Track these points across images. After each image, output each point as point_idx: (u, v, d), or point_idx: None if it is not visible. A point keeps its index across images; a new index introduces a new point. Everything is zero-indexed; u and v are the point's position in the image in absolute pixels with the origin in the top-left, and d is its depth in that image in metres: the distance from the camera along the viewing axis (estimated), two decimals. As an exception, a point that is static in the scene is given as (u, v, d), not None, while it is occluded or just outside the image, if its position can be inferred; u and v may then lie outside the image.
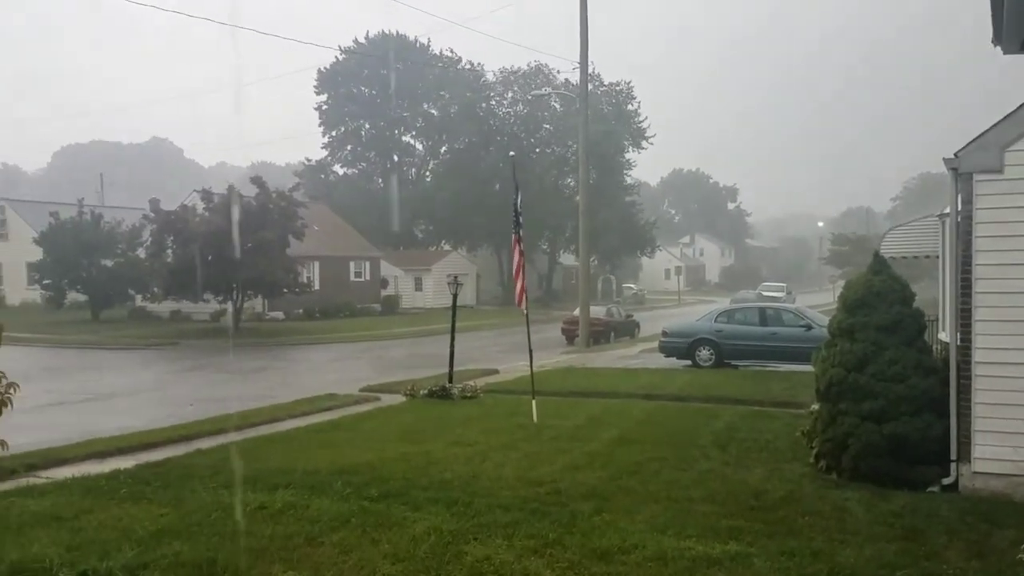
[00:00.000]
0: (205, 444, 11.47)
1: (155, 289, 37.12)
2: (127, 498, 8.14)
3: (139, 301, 42.27)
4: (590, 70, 31.14)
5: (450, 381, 16.28)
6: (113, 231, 42.24)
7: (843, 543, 6.66)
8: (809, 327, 19.93)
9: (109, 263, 41.43)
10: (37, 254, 42.26)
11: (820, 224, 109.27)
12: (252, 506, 7.66)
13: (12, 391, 4.71)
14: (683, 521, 7.17)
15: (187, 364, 25.35)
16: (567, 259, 69.58)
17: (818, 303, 46.30)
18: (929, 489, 8.36)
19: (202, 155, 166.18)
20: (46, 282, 41.88)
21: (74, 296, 42.70)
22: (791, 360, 19.19)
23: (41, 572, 5.74)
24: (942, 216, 11.27)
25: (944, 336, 10.48)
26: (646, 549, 6.38)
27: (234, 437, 12.01)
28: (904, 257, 15.26)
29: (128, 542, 6.53)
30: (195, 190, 37.67)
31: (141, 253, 39.39)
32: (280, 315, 42.31)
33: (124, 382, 21.17)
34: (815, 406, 9.70)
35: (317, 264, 45.65)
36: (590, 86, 36.28)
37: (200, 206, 35.10)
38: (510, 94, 65.59)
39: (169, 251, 34.61)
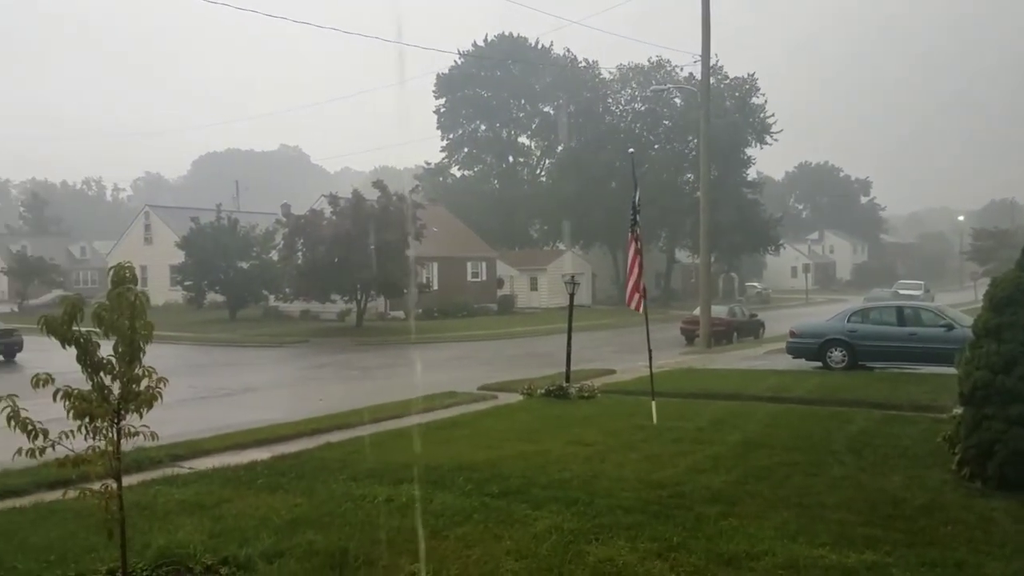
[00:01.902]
0: (334, 438, 11.90)
1: (286, 290, 38.97)
2: (264, 488, 8.56)
3: (272, 301, 44.47)
4: (712, 63, 30.30)
5: (567, 380, 16.22)
6: (248, 235, 44.66)
7: (989, 555, 6.19)
8: (950, 327, 18.64)
9: (245, 265, 43.82)
10: (179, 257, 45.18)
11: (960, 218, 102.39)
12: (379, 499, 7.88)
13: (162, 385, 4.99)
14: (815, 528, 6.84)
15: (315, 361, 26.45)
16: (685, 257, 68.18)
17: (958, 302, 43.29)
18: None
19: (327, 161, 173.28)
20: (187, 283, 44.72)
21: (213, 296, 45.41)
22: (930, 362, 18.02)
23: (186, 557, 6.06)
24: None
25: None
26: (776, 556, 6.12)
27: (360, 432, 12.41)
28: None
29: (265, 530, 6.85)
30: (322, 195, 39.30)
31: (274, 256, 41.46)
32: (401, 314, 43.53)
33: (259, 378, 22.31)
34: (958, 410, 9.11)
35: (436, 265, 46.69)
36: (712, 80, 35.35)
37: (327, 210, 36.63)
38: (628, 91, 64.93)
39: (299, 253, 36.23)
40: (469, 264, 50.86)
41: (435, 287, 45.47)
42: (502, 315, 48.01)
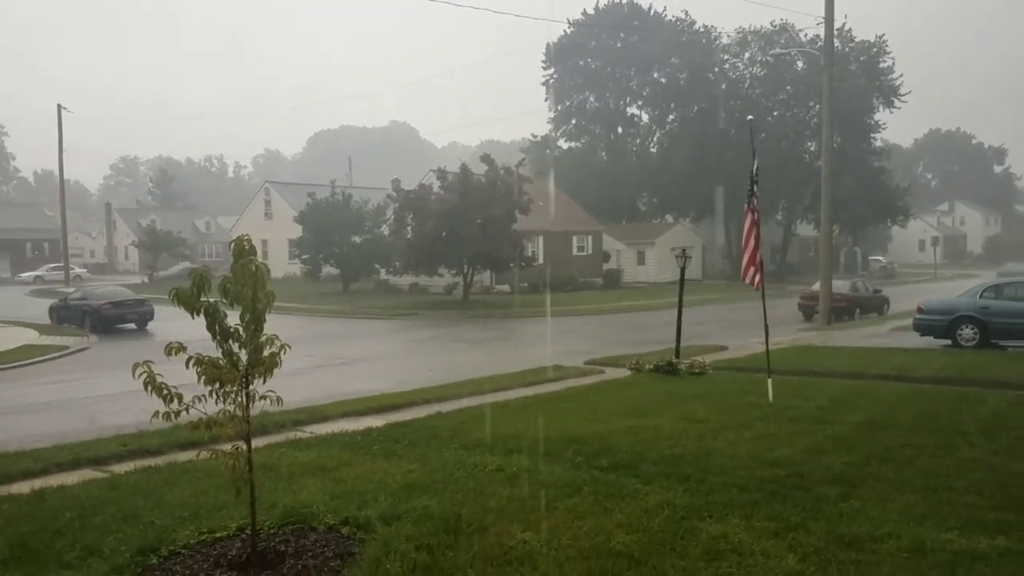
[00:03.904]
0: (444, 408, 12.17)
1: (396, 263, 39.95)
2: (379, 454, 8.84)
3: (383, 275, 45.72)
4: (839, 26, 28.77)
5: (677, 356, 15.96)
6: (360, 210, 45.96)
7: None
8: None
9: (357, 240, 45.18)
10: (297, 231, 46.98)
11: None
12: (490, 468, 8.00)
13: (283, 351, 5.18)
14: (942, 512, 6.54)
15: (424, 333, 27.07)
16: (804, 229, 65.58)
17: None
18: None
19: (436, 136, 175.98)
20: (304, 257, 46.50)
21: (328, 270, 47.09)
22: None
23: (309, 516, 6.34)
24: None
25: None
26: (900, 539, 5.89)
27: (469, 403, 12.65)
28: None
29: (382, 493, 7.08)
30: (431, 170, 39.92)
31: (384, 230, 42.53)
32: (506, 288, 43.89)
33: (371, 348, 23.03)
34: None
35: (541, 238, 46.72)
36: (837, 43, 33.58)
37: (435, 185, 37.18)
38: (746, 55, 62.63)
39: (408, 228, 36.99)
40: (575, 238, 50.64)
41: (540, 261, 45.53)
42: (608, 289, 47.66)
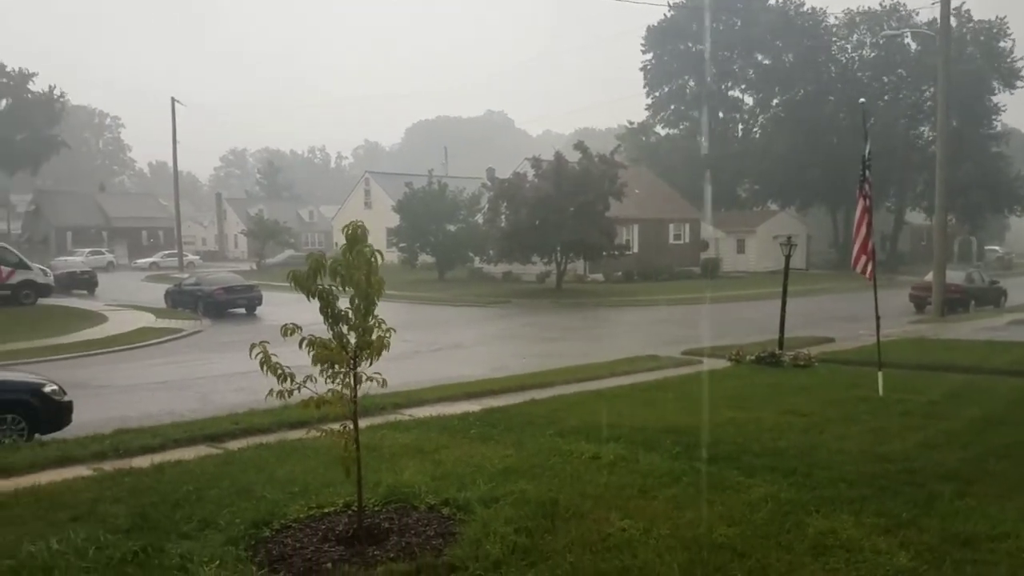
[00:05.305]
0: (538, 395, 12.22)
1: (490, 252, 40.27)
2: (476, 438, 8.97)
3: (477, 263, 46.19)
4: (956, 5, 27.28)
5: (780, 347, 15.50)
6: (456, 199, 46.52)
7: None
8: None
9: (452, 228, 45.76)
10: (394, 220, 47.95)
11: None
12: (586, 455, 7.99)
13: (390, 336, 5.32)
14: (1069, 514, 6.14)
15: (517, 321, 27.23)
16: (915, 218, 62.50)
17: None
18: None
19: (530, 124, 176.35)
20: (401, 245, 47.44)
21: (424, 258, 47.93)
22: None
23: (411, 496, 6.51)
24: None
25: None
26: (1020, 539, 5.65)
27: (563, 390, 12.67)
28: None
29: (480, 476, 7.18)
30: (526, 158, 40.01)
31: (479, 219, 42.94)
32: (600, 277, 43.61)
33: (465, 335, 23.35)
34: None
35: (636, 227, 46.15)
36: (953, 23, 31.80)
37: (530, 173, 37.24)
38: (855, 37, 60.01)
39: (502, 216, 37.21)
40: (671, 226, 49.79)
41: (635, 249, 45.01)
42: (706, 279, 46.66)
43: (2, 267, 29.73)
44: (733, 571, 5.19)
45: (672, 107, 66.78)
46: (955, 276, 28.45)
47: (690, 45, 64.23)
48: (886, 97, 57.81)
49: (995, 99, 56.62)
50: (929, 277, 27.40)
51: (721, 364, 15.37)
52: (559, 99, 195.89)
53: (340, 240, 5.58)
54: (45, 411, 10.03)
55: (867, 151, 11.95)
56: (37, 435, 9.86)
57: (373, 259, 5.21)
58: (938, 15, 26.43)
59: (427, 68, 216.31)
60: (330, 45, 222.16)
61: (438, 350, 19.76)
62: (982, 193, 53.96)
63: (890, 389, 11.41)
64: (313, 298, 5.26)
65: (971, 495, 6.68)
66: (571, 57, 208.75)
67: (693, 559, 5.32)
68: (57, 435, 9.85)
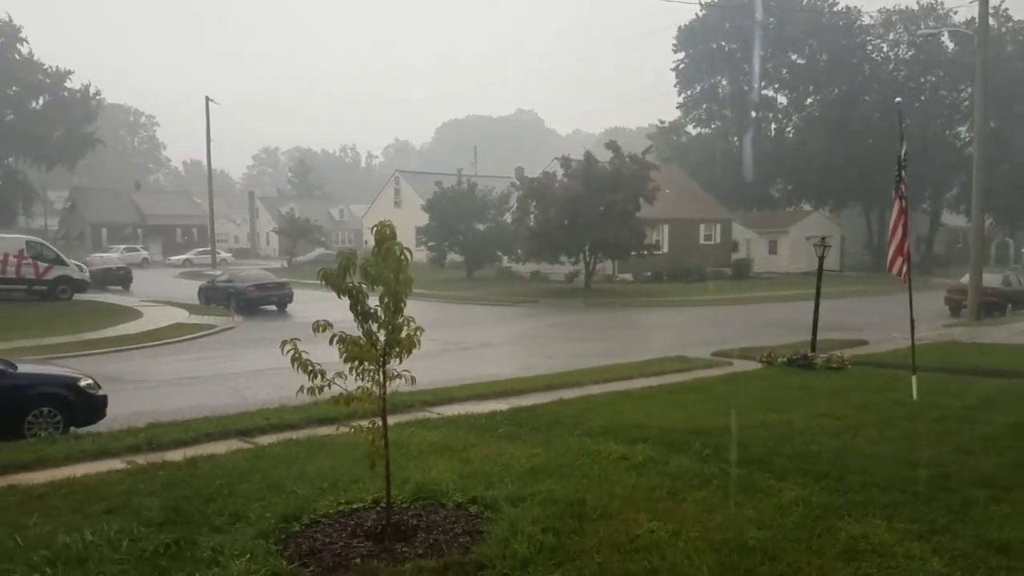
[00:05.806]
0: (566, 395, 12.18)
1: (518, 251, 40.26)
2: (504, 437, 8.97)
3: (505, 262, 46.21)
4: (994, 4, 26.76)
5: (813, 349, 15.30)
6: (485, 198, 46.58)
7: None
8: None
9: (481, 227, 45.84)
10: (424, 219, 48.15)
11: None
12: (614, 456, 7.96)
13: (419, 334, 5.33)
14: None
15: (545, 320, 27.19)
16: (952, 219, 61.35)
17: None
18: None
19: (560, 123, 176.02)
20: (430, 243, 47.61)
21: (452, 256, 48.06)
22: None
23: (439, 493, 6.53)
24: None
25: None
26: (1057, 547, 5.48)
27: (591, 390, 12.62)
28: None
29: (508, 475, 7.18)
30: (555, 157, 39.90)
31: (508, 218, 42.95)
32: (628, 277, 43.40)
33: (493, 334, 23.36)
34: None
35: (666, 227, 45.85)
36: (992, 23, 31.20)
37: (559, 172, 37.15)
38: (891, 36, 59.11)
39: (531, 216, 37.15)
40: (702, 226, 49.39)
41: (664, 249, 44.72)
42: (737, 279, 46.25)
43: (39, 263, 30.36)
44: (763, 574, 5.14)
45: (704, 106, 66.24)
46: (992, 279, 27.94)
47: (723, 44, 63.64)
48: (923, 97, 56.85)
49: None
50: (965, 279, 26.91)
51: (752, 366, 15.22)
52: (589, 98, 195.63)
53: (370, 239, 5.62)
54: (80, 405, 10.23)
55: (903, 152, 11.76)
56: (73, 428, 10.06)
57: (403, 256, 5.23)
58: (975, 14, 25.97)
59: (458, 67, 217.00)
60: (361, 46, 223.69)
61: (466, 349, 19.79)
62: (1020, 195, 52.84)
63: (924, 393, 11.23)
64: (343, 296, 5.30)
65: (1007, 501, 6.56)
66: (603, 56, 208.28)
67: (723, 562, 5.28)
68: (92, 428, 10.03)
